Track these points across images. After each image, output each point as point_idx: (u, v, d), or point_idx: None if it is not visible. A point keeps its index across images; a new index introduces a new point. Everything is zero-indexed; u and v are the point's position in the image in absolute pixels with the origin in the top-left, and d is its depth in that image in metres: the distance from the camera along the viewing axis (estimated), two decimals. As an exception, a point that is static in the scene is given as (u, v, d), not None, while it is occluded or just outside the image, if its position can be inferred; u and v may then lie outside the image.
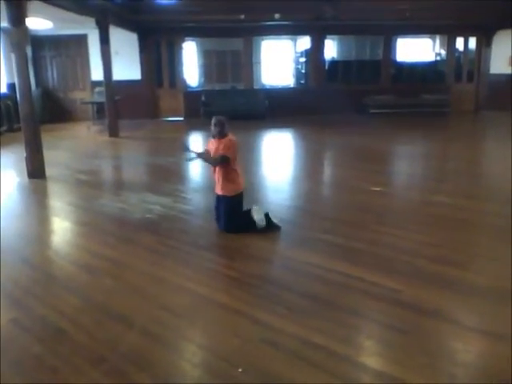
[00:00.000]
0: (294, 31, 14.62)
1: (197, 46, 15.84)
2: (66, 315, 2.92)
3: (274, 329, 2.71)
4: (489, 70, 14.32)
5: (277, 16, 12.24)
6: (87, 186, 6.41)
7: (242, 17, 12.25)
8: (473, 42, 14.45)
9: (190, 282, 3.36)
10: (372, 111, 13.54)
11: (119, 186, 6.74)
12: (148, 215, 4.89)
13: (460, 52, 14.73)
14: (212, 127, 4.25)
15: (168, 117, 13.94)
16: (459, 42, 14.56)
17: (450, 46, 14.57)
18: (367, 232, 4.32)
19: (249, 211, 4.31)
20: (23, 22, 6.18)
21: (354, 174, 6.78)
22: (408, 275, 3.37)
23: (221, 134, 4.22)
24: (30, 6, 6.32)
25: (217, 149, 4.19)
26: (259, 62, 15.36)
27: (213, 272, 3.60)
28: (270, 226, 4.28)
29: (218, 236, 4.25)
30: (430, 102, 13.57)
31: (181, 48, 14.06)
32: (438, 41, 16.05)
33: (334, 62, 15.09)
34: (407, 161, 8.08)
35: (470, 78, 14.61)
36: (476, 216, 4.82)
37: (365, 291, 3.14)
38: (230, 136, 4.26)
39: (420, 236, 4.21)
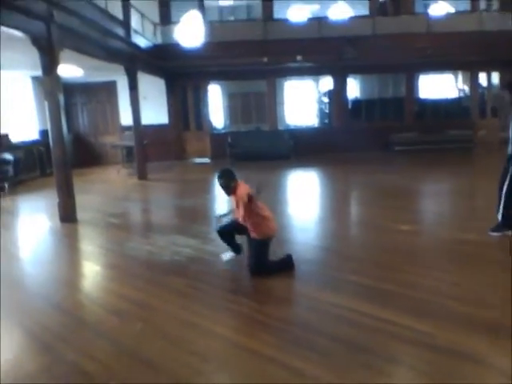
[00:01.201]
0: (316, 72, 14.92)
1: (221, 88, 16.27)
2: (95, 360, 2.93)
3: (305, 376, 2.65)
4: (514, 105, 14.20)
5: (299, 58, 12.53)
6: (117, 228, 6.52)
7: (265, 60, 12.60)
8: (496, 77, 14.42)
9: (219, 326, 3.34)
10: (397, 148, 13.52)
11: (148, 228, 6.83)
12: (176, 257, 4.93)
13: (483, 87, 14.70)
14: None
15: (195, 158, 14.21)
16: (482, 78, 14.56)
17: (473, 81, 14.59)
18: (396, 272, 4.24)
19: (277, 261, 4.34)
20: (55, 71, 6.43)
21: (380, 213, 6.72)
22: (440, 318, 3.28)
23: (230, 192, 4.30)
24: (62, 55, 6.60)
25: (237, 203, 4.29)
26: (283, 103, 15.64)
27: (241, 316, 3.58)
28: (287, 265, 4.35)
29: (245, 278, 4.24)
30: (455, 137, 13.49)
31: (206, 91, 14.46)
32: (460, 77, 16.08)
33: (357, 101, 15.25)
34: (434, 198, 7.97)
35: (495, 113, 14.50)
36: (506, 255, 4.68)
37: (397, 335, 3.06)
38: (240, 186, 4.28)
39: (451, 276, 4.11)
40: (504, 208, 5.10)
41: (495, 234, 5.17)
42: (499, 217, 5.18)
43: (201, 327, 3.35)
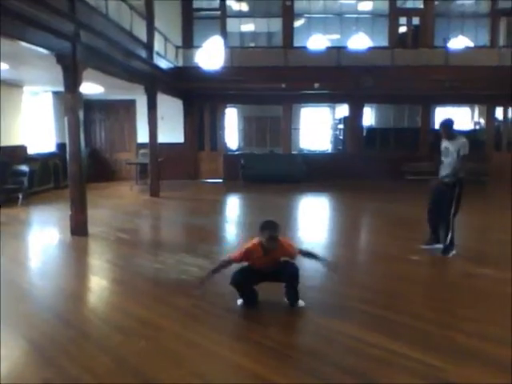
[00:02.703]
0: (332, 99, 15.05)
1: (238, 111, 16.45)
2: (98, 377, 2.91)
3: (307, 404, 2.62)
4: (529, 140, 14.17)
5: (316, 85, 12.67)
6: (126, 244, 6.55)
7: (283, 86, 12.74)
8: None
9: (223, 349, 3.32)
10: (409, 177, 13.49)
11: (157, 245, 6.85)
12: (184, 276, 4.92)
13: (500, 121, 14.69)
14: (264, 241, 3.81)
15: (208, 178, 14.30)
16: (499, 112, 14.56)
17: (489, 115, 14.58)
18: (404, 303, 4.19)
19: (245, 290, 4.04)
20: (78, 89, 6.57)
21: (390, 242, 6.67)
22: (450, 352, 3.21)
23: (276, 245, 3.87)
24: (84, 73, 6.72)
25: (275, 256, 3.93)
26: (298, 128, 15.75)
27: (247, 339, 3.54)
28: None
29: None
30: (469, 170, 13.37)
31: (223, 114, 14.63)
32: (476, 110, 16.10)
33: (372, 129, 15.30)
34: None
35: (510, 148, 14.43)
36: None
37: (406, 368, 3.00)
38: (284, 241, 3.98)
39: (462, 310, 4.05)
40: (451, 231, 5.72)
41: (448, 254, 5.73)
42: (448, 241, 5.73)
43: (205, 348, 3.33)
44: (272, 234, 3.79)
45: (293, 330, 3.71)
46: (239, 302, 4.06)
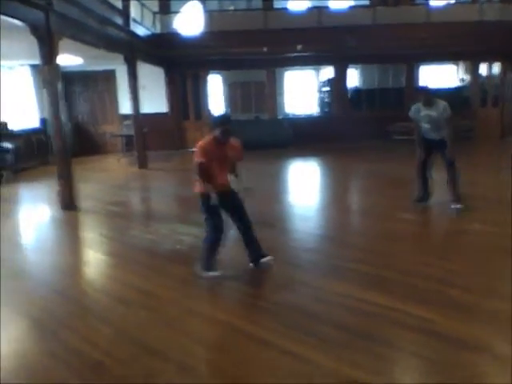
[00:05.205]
0: (316, 62, 14.86)
1: (222, 78, 16.20)
2: (101, 348, 2.96)
3: (306, 361, 2.70)
4: (514, 95, 14.21)
5: (299, 47, 12.47)
6: (119, 217, 6.54)
7: (265, 49, 12.53)
8: (497, 68, 14.40)
9: (222, 314, 3.38)
10: (396, 137, 13.53)
11: (150, 217, 6.86)
12: (178, 246, 4.96)
13: (484, 77, 14.69)
14: (219, 133, 4.14)
15: (194, 148, 14.15)
16: (483, 68, 14.54)
17: (473, 71, 14.56)
18: (398, 261, 4.28)
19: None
20: (55, 60, 6.41)
21: (381, 202, 6.75)
22: (441, 305, 3.32)
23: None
24: (61, 44, 6.57)
25: (225, 152, 4.28)
26: (283, 92, 15.59)
27: (244, 303, 3.62)
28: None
29: (247, 266, 4.25)
30: (455, 127, 13.43)
31: (206, 81, 14.39)
32: (461, 66, 16.04)
33: (357, 91, 15.22)
34: (434, 187, 7.98)
35: (495, 103, 14.50)
36: (509, 244, 4.73)
37: (398, 321, 3.10)
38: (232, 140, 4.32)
39: (452, 265, 4.15)
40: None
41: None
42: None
43: (204, 314, 3.40)
44: (227, 127, 4.12)
45: (287, 291, 3.76)
46: (211, 273, 3.98)
